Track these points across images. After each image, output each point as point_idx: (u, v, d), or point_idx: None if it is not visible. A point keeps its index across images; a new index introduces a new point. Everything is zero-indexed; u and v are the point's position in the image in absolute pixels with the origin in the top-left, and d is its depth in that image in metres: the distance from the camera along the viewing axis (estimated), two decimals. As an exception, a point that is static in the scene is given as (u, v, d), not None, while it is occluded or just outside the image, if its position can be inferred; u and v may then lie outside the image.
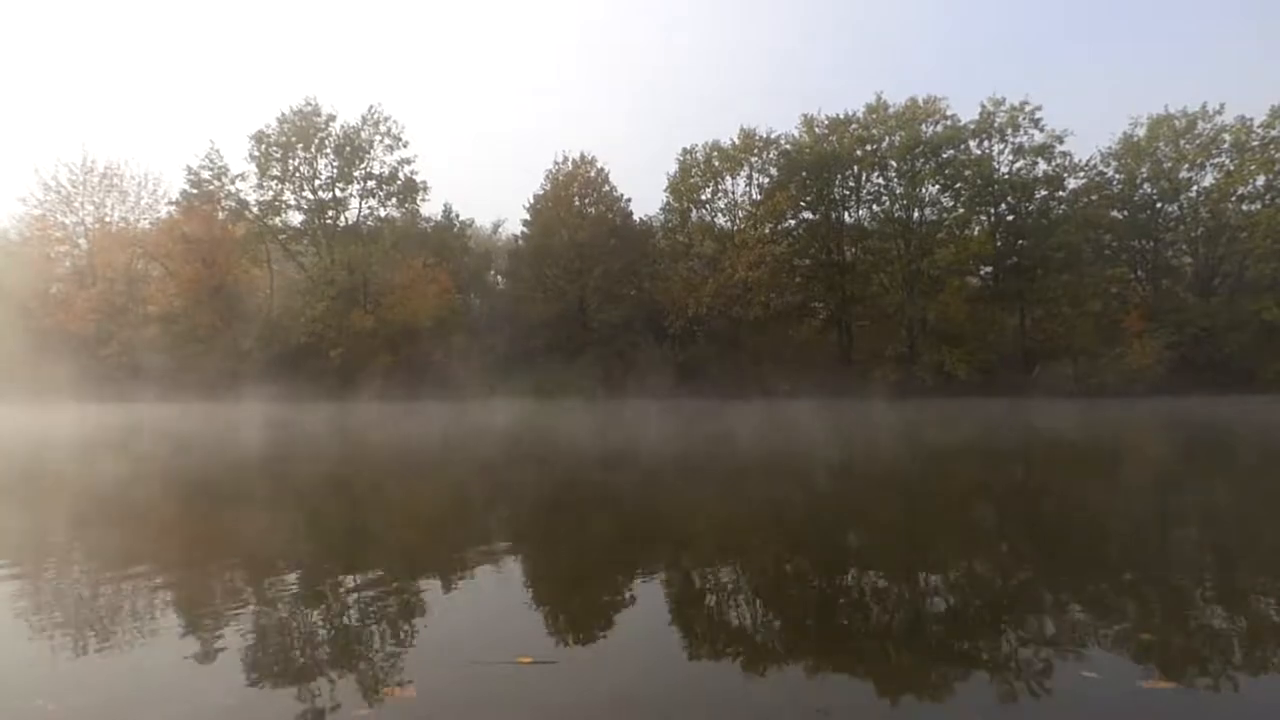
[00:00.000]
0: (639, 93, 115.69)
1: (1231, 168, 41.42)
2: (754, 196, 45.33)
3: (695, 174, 46.18)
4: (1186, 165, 42.40)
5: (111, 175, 45.15)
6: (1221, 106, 41.77)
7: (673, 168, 47.00)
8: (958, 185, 43.97)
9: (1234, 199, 41.76)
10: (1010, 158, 44.06)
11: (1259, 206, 40.89)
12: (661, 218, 48.34)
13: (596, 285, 43.80)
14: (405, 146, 45.42)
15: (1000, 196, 44.10)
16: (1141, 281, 45.25)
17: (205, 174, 43.86)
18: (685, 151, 46.32)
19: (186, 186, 43.98)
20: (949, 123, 43.93)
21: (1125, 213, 44.18)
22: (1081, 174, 44.25)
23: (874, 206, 46.22)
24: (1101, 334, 40.54)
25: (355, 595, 4.20)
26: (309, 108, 44.23)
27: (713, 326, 43.66)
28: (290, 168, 44.43)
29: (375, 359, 39.64)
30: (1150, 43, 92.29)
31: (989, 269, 45.92)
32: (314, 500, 8.36)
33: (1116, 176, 44.19)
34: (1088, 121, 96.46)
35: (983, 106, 43.83)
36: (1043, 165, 43.71)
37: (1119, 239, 44.52)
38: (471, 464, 11.86)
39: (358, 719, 2.59)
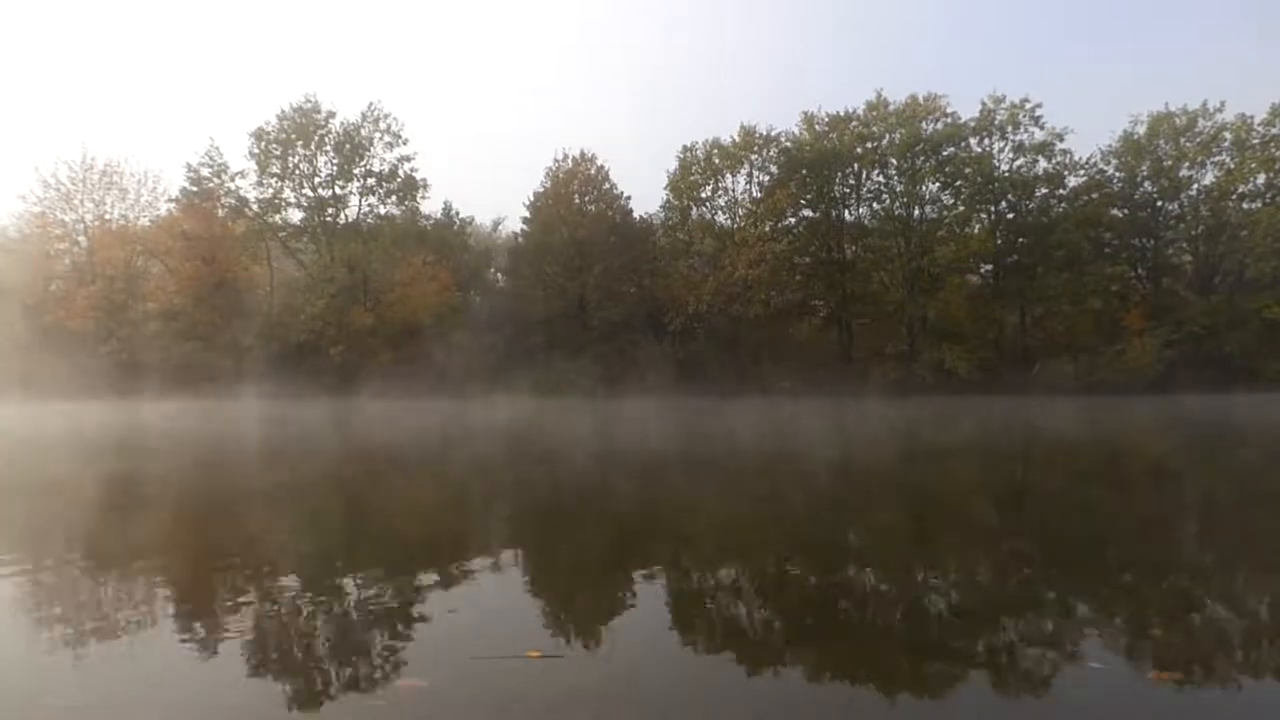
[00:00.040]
0: (639, 92, 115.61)
1: (1232, 166, 41.40)
2: (754, 194, 45.33)
3: (695, 172, 46.14)
4: (1187, 163, 42.37)
5: (111, 172, 45.09)
6: (1222, 104, 41.82)
7: (673, 165, 46.99)
8: (958, 183, 43.96)
9: (1234, 197, 41.75)
10: (1011, 155, 44.12)
11: (1259, 205, 40.88)
12: (662, 215, 48.33)
13: (596, 283, 43.78)
14: (405, 144, 45.39)
15: (1001, 194, 44.09)
16: (1142, 279, 45.24)
17: (205, 171, 43.82)
18: (685, 149, 46.32)
19: (186, 184, 43.93)
20: (949, 120, 43.94)
21: (1125, 211, 44.16)
22: (1082, 172, 44.27)
23: (874, 204, 46.27)
24: (1102, 332, 40.57)
25: (361, 592, 4.20)
26: (309, 105, 44.19)
27: (713, 324, 43.65)
28: (290, 165, 44.38)
29: (375, 356, 39.63)
30: (1150, 43, 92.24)
31: (989, 267, 45.92)
32: (315, 498, 8.36)
33: (1117, 174, 44.17)
34: (1088, 120, 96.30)
35: (983, 104, 43.88)
36: (1043, 163, 43.75)
37: (1119, 237, 44.49)
38: (473, 462, 11.86)
39: (372, 709, 2.60)
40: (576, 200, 45.11)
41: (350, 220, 45.79)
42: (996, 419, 22.50)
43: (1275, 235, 38.59)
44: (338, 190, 45.20)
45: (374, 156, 45.07)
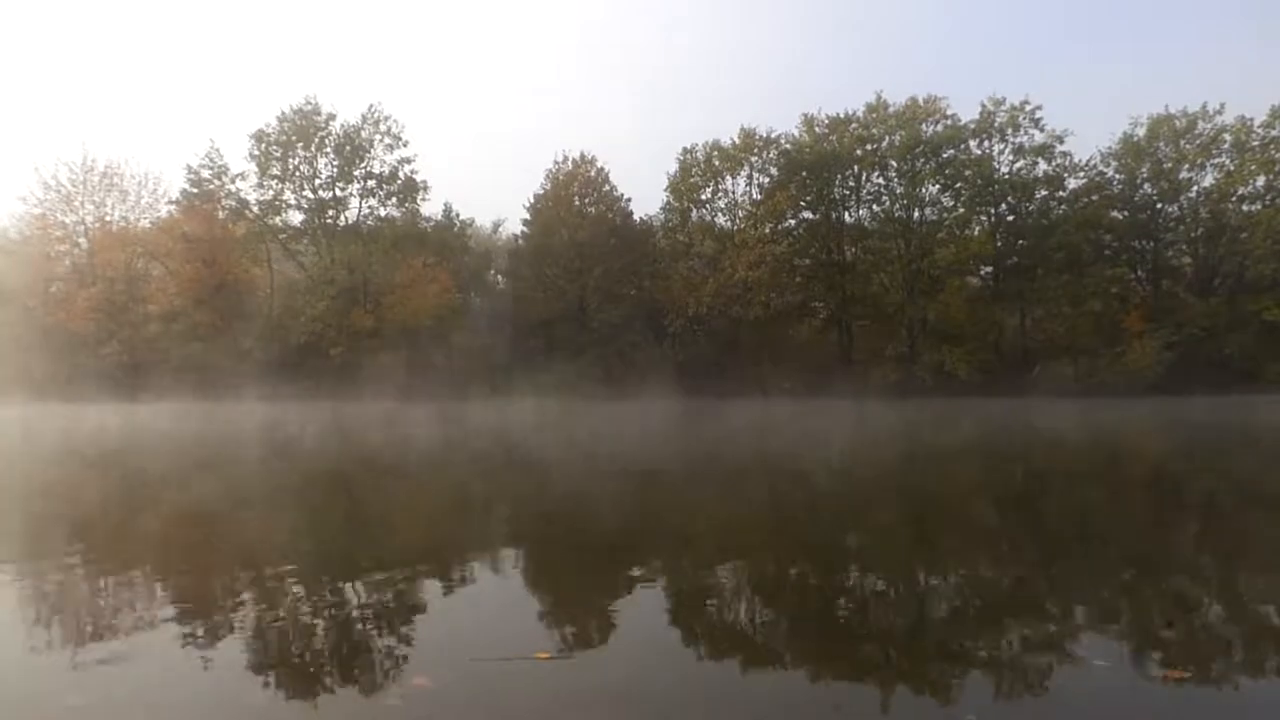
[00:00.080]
0: (639, 93, 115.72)
1: (1232, 168, 41.44)
2: (754, 196, 45.41)
3: (695, 173, 46.22)
4: (1187, 165, 42.41)
5: (112, 174, 45.21)
6: (1222, 106, 41.87)
7: (673, 167, 47.10)
8: (958, 185, 44.01)
9: (1234, 199, 41.77)
10: (1010, 157, 44.18)
11: (1259, 207, 40.91)
12: (662, 217, 48.38)
13: (597, 285, 43.82)
14: (405, 146, 45.49)
15: (1000, 196, 44.14)
16: (1142, 281, 45.27)
17: (205, 173, 43.93)
18: (685, 151, 46.41)
19: (187, 186, 44.04)
20: (949, 122, 44.01)
21: (1125, 213, 44.20)
22: (1081, 174, 44.32)
23: (874, 206, 46.34)
24: (1102, 334, 40.58)
25: (368, 594, 4.21)
26: (309, 107, 44.27)
27: (713, 326, 43.68)
28: (290, 167, 44.47)
29: (375, 358, 39.65)
30: (1150, 43, 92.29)
31: (989, 269, 45.97)
32: (319, 500, 8.37)
33: (1117, 176, 44.21)
34: (1088, 121, 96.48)
35: (983, 106, 43.93)
36: (1043, 165, 43.81)
37: (1119, 239, 44.53)
38: (476, 464, 11.86)
39: (387, 709, 2.61)
40: (577, 202, 45.17)
41: (350, 222, 45.87)
42: (996, 421, 22.50)
43: (1275, 237, 38.61)
44: (338, 192, 45.31)
45: (374, 158, 45.24)
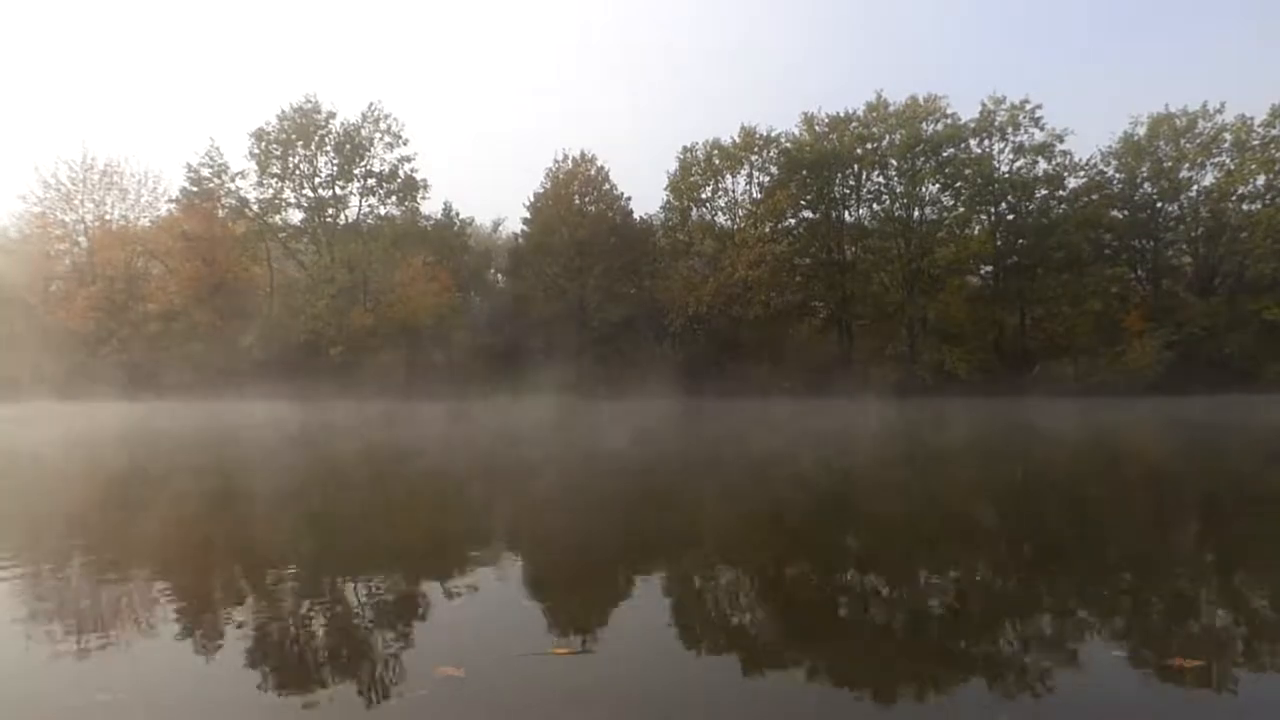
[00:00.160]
0: (639, 93, 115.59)
1: (1232, 167, 41.42)
2: (754, 195, 45.39)
3: (695, 172, 46.19)
4: (1187, 164, 42.40)
5: (111, 173, 45.14)
6: (1222, 105, 41.84)
7: (673, 166, 47.04)
8: (958, 184, 43.99)
9: (1234, 198, 41.76)
10: (1010, 157, 44.16)
11: (1259, 206, 40.88)
12: (662, 216, 48.35)
13: (597, 284, 43.80)
14: (405, 144, 45.44)
15: (1000, 195, 44.11)
16: (1141, 281, 45.27)
17: (205, 172, 43.87)
18: (685, 150, 46.37)
19: (186, 184, 43.98)
20: (949, 121, 43.98)
21: (1125, 212, 44.19)
22: (1082, 173, 44.29)
23: (874, 205, 46.32)
24: (1101, 333, 40.57)
25: (377, 595, 4.23)
26: (309, 105, 44.23)
27: (713, 325, 43.66)
28: (290, 165, 44.42)
29: (375, 357, 39.63)
30: (1150, 43, 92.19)
31: (989, 268, 45.95)
32: (331, 498, 8.36)
33: (1117, 176, 44.19)
34: (1088, 121, 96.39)
35: (983, 105, 43.91)
36: (1043, 164, 43.79)
37: (1119, 238, 44.52)
38: (483, 465, 11.86)
39: (416, 700, 2.65)
40: (577, 201, 45.14)
41: (350, 221, 45.84)
42: (997, 421, 22.50)
43: (1275, 237, 38.60)
44: (338, 191, 45.29)
45: (374, 157, 45.19)
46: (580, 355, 41.21)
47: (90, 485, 9.45)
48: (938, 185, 44.48)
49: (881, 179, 45.61)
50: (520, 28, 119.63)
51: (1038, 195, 44.09)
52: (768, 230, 43.47)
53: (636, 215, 47.36)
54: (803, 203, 45.69)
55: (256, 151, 43.96)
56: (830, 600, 4.23)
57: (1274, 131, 40.36)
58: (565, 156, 45.97)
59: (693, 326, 44.42)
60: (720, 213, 46.90)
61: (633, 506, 7.69)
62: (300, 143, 44.04)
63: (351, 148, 44.55)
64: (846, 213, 46.58)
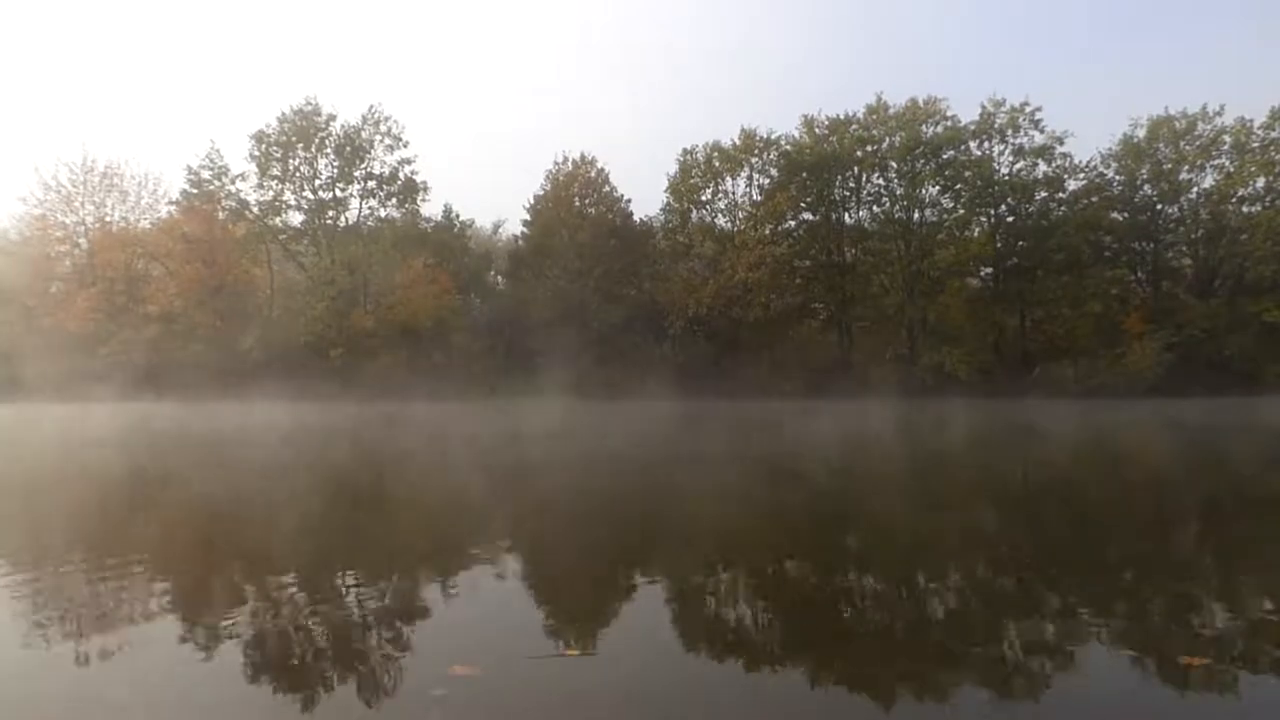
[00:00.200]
0: (639, 93, 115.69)
1: (1232, 169, 41.41)
2: (754, 197, 45.42)
3: (695, 174, 46.22)
4: (1186, 167, 42.38)
5: (112, 175, 45.23)
6: (1222, 108, 41.81)
7: (673, 168, 47.08)
8: (958, 186, 44.01)
9: (1234, 201, 41.74)
10: (1010, 159, 44.14)
11: (1259, 208, 40.86)
12: (662, 218, 48.37)
13: (597, 286, 43.81)
14: (405, 146, 45.51)
15: (1000, 198, 44.12)
16: (1141, 283, 45.27)
17: (205, 174, 43.93)
18: (685, 152, 46.40)
19: (187, 186, 44.05)
20: (949, 124, 43.97)
21: (1125, 214, 44.18)
22: (1081, 175, 44.27)
23: (874, 207, 46.34)
24: (1101, 335, 40.55)
25: (386, 596, 4.26)
26: (309, 107, 44.28)
27: (713, 327, 43.65)
28: (290, 168, 44.47)
29: (375, 359, 39.64)
30: (1150, 43, 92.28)
31: (989, 270, 45.95)
32: (342, 500, 8.36)
33: (1116, 178, 44.19)
34: (1088, 122, 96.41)
35: (983, 107, 43.90)
36: (1043, 166, 43.77)
37: (1119, 240, 44.51)
38: (490, 467, 11.86)
39: (433, 699, 2.68)
40: (577, 203, 45.18)
41: (351, 223, 45.90)
42: (997, 422, 22.49)
43: (1275, 238, 38.57)
44: (338, 193, 45.33)
45: (374, 159, 45.27)
46: (580, 357, 41.16)
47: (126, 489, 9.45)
48: (938, 187, 44.50)
49: (881, 181, 45.66)
50: (520, 28, 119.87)
51: (1038, 197, 44.09)
52: (768, 232, 43.50)
53: (636, 217, 47.45)
54: (803, 205, 45.72)
55: (257, 154, 44.05)
56: (853, 601, 4.22)
57: (1274, 134, 40.37)
58: (565, 158, 46.10)
59: (693, 328, 44.41)
60: (720, 215, 47.01)
61: (636, 508, 7.69)
62: (300, 145, 44.09)
63: (352, 150, 44.60)
64: (846, 215, 46.65)
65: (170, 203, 45.16)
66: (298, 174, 44.58)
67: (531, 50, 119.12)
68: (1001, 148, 44.03)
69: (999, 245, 44.77)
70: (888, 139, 44.57)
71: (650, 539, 6.09)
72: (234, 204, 44.35)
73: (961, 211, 44.71)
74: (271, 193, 44.65)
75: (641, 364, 40.94)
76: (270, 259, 45.33)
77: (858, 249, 46.21)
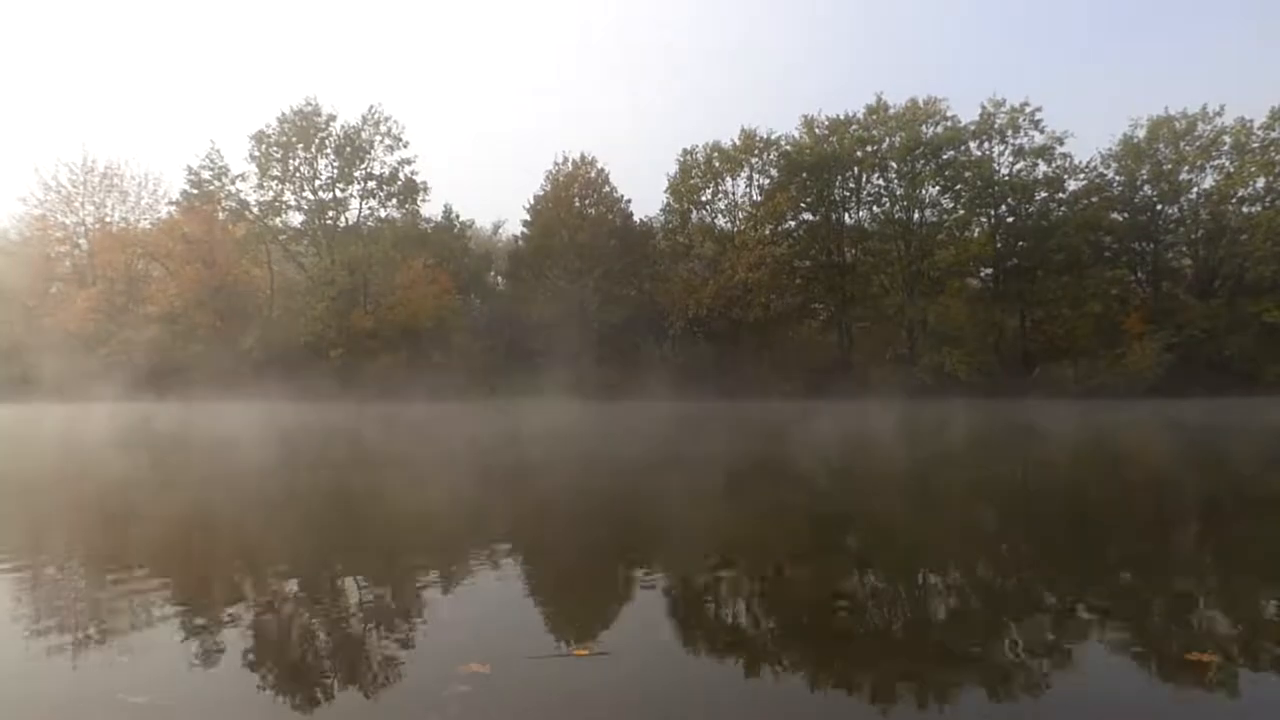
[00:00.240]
0: (639, 93, 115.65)
1: (1231, 169, 41.41)
2: (754, 197, 45.40)
3: (695, 175, 46.21)
4: (1186, 167, 42.39)
5: (112, 175, 45.29)
6: (1222, 108, 41.82)
7: (673, 168, 47.06)
8: (958, 187, 44.01)
9: (1234, 201, 41.74)
10: (1010, 159, 44.14)
11: (1259, 208, 40.87)
12: (662, 218, 48.35)
13: (597, 286, 43.80)
14: (405, 147, 45.49)
15: (1000, 198, 44.13)
16: (1141, 283, 45.27)
17: (205, 174, 43.94)
18: (685, 152, 46.39)
19: (187, 187, 44.07)
20: (949, 124, 43.98)
21: (1125, 214, 44.19)
22: (1081, 176, 44.26)
23: (874, 208, 46.34)
24: (1101, 335, 40.55)
25: (394, 594, 4.28)
26: (309, 108, 44.26)
27: (713, 328, 43.64)
28: (290, 168, 44.45)
29: (375, 359, 39.63)
30: (1150, 43, 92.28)
31: (989, 270, 45.96)
32: (352, 499, 8.36)
33: (1116, 178, 44.19)
34: (1088, 122, 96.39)
35: (983, 108, 43.91)
36: (1043, 167, 43.78)
37: (1119, 241, 44.51)
38: (490, 468, 11.85)
39: (454, 695, 2.71)
40: (577, 203, 45.17)
41: (351, 223, 45.87)
42: (997, 422, 22.49)
43: (1275, 239, 38.58)
44: (338, 193, 45.31)
45: (374, 159, 45.24)
46: (580, 357, 41.16)
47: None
48: (938, 188, 44.51)
49: (881, 181, 45.66)
50: (520, 28, 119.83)
51: (1038, 198, 44.09)
52: (768, 232, 43.50)
53: (637, 217, 47.43)
54: (803, 205, 45.72)
55: (257, 154, 44.04)
56: (861, 601, 4.22)
57: (1274, 134, 40.37)
58: (565, 159, 46.08)
59: (693, 329, 44.40)
60: (720, 215, 46.99)
61: (638, 508, 7.69)
62: (300, 145, 44.08)
63: (352, 150, 44.59)
64: (846, 215, 46.65)
65: (170, 203, 45.27)
66: (298, 174, 44.61)
67: (531, 50, 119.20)
68: (1001, 148, 44.11)
69: (999, 245, 44.77)
70: (888, 139, 44.58)
71: (655, 540, 6.08)
72: (234, 204, 44.36)
73: (961, 212, 44.72)
74: (271, 193, 44.71)
75: (641, 364, 40.93)
76: (270, 259, 45.31)
77: (858, 249, 46.22)
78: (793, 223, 45.91)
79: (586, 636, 3.46)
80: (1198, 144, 42.08)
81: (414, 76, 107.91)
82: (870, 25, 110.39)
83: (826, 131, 45.59)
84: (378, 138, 44.99)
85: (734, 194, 46.25)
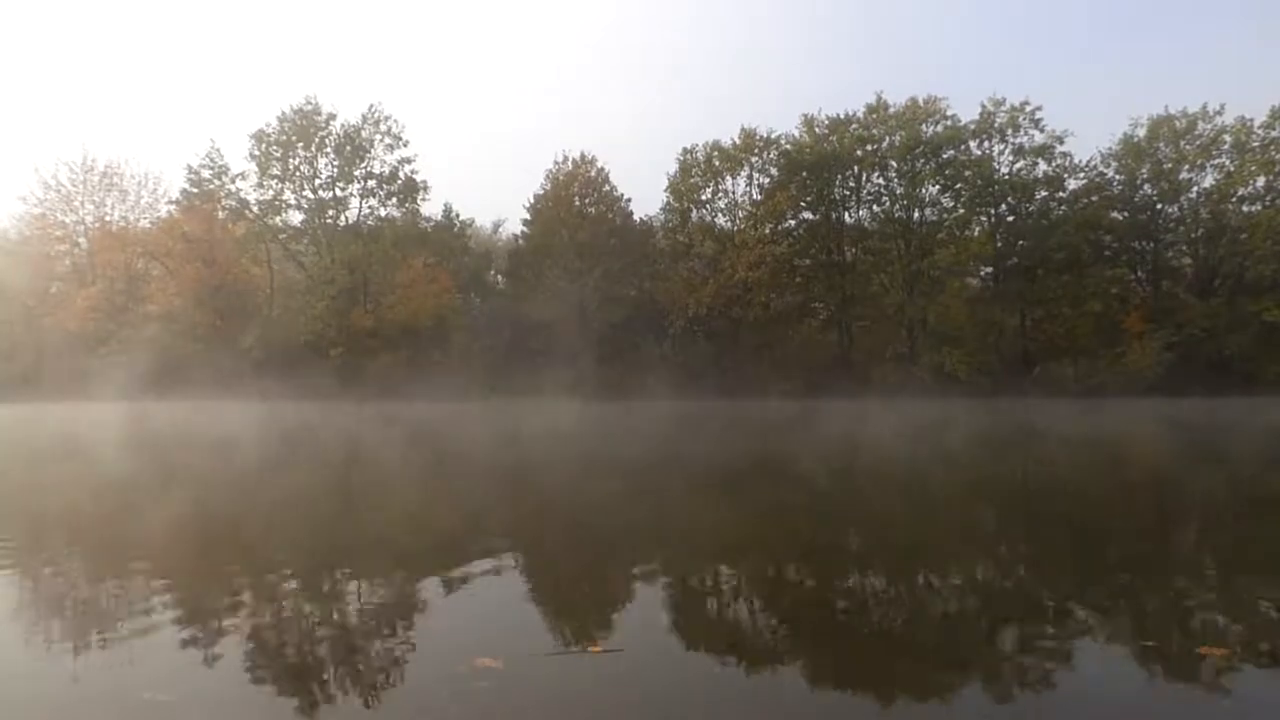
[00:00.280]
0: (639, 93, 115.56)
1: (1232, 169, 41.40)
2: (754, 196, 45.39)
3: (695, 174, 46.19)
4: (1187, 166, 42.37)
5: (111, 174, 45.32)
6: (1222, 107, 41.79)
7: (673, 168, 47.04)
8: (958, 186, 44.00)
9: (1234, 200, 41.73)
10: (1010, 158, 44.14)
11: (1259, 207, 40.86)
12: (662, 218, 48.35)
13: (596, 285, 43.80)
14: (406, 146, 45.46)
15: (1000, 197, 44.12)
16: (1141, 282, 45.25)
17: (205, 173, 43.92)
18: (685, 151, 46.36)
19: (187, 186, 44.06)
20: (949, 123, 43.98)
21: (1125, 214, 44.17)
22: (1082, 175, 44.27)
23: (874, 207, 46.32)
24: (1101, 334, 40.57)
25: (403, 592, 4.30)
26: (309, 107, 44.24)
27: (713, 327, 43.66)
28: (290, 167, 44.43)
29: (375, 358, 39.65)
30: (1150, 43, 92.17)
31: (989, 270, 45.97)
32: (361, 499, 8.36)
33: (1117, 177, 44.17)
34: (1088, 121, 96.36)
35: (983, 107, 43.90)
36: (1043, 166, 43.77)
37: (1119, 240, 44.50)
38: (496, 469, 11.86)
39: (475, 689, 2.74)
40: (577, 203, 45.18)
41: (351, 222, 45.82)
42: (998, 422, 22.49)
43: (1275, 238, 38.58)
44: (338, 192, 45.28)
45: (374, 159, 45.21)
46: (580, 357, 41.16)
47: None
48: (938, 187, 44.50)
49: (881, 180, 45.65)
50: (520, 28, 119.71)
51: (1038, 197, 44.09)
52: (768, 232, 43.49)
53: (637, 216, 47.45)
54: (803, 204, 45.70)
55: (257, 153, 44.02)
56: (873, 602, 4.22)
57: (1274, 133, 40.35)
58: (565, 158, 46.09)
59: (693, 328, 44.42)
60: (720, 214, 46.95)
61: (642, 507, 7.70)
62: (300, 144, 44.06)
63: (352, 149, 44.56)
64: (846, 214, 46.62)
65: (170, 202, 45.28)
66: (298, 173, 44.58)
67: (531, 50, 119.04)
68: (1001, 147, 44.10)
69: (999, 245, 44.77)
70: (888, 138, 44.57)
71: (660, 539, 6.08)
72: (234, 203, 44.35)
73: (961, 211, 44.71)
74: (271, 192, 44.69)
75: (641, 364, 40.95)
76: (270, 258, 45.30)
77: (858, 248, 46.21)
78: (793, 222, 45.92)
79: (598, 633, 3.47)
80: (1198, 143, 42.06)
81: (414, 76, 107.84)
82: (870, 25, 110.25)
83: (826, 131, 45.57)
84: (378, 137, 45.01)
85: (734, 193, 46.28)
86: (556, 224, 44.70)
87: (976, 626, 3.69)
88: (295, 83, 75.07)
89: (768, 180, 45.26)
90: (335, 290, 41.59)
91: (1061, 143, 43.13)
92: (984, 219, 45.32)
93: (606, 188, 45.92)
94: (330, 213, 45.33)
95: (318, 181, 44.78)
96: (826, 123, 45.58)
